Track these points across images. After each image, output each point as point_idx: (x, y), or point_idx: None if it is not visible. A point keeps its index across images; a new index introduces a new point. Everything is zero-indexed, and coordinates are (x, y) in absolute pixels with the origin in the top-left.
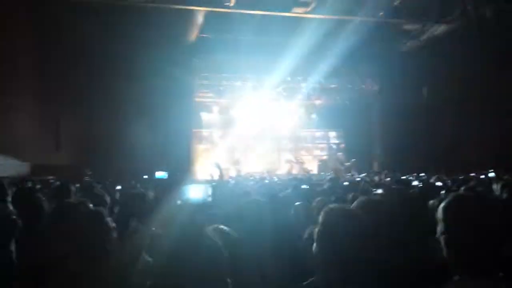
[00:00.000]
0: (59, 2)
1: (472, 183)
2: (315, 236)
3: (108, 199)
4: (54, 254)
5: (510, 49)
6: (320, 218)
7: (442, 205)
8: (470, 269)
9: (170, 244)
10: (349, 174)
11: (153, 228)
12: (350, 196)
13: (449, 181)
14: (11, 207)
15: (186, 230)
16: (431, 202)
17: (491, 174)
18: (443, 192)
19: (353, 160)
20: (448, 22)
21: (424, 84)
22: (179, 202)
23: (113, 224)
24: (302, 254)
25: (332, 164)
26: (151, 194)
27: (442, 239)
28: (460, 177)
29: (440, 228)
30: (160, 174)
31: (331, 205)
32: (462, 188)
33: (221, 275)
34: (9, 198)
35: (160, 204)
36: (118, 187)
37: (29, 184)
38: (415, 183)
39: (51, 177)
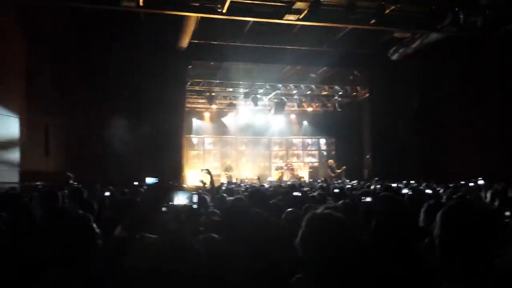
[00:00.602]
0: (49, 7)
1: (462, 191)
2: (298, 239)
3: (95, 205)
4: (37, 259)
5: (501, 57)
6: (304, 222)
7: (440, 211)
8: (461, 272)
9: (153, 251)
10: (339, 181)
11: (137, 236)
12: (340, 203)
13: (439, 189)
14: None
15: (170, 238)
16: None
17: (480, 182)
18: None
19: (343, 167)
20: (439, 30)
21: (414, 94)
22: (164, 209)
23: (98, 230)
24: (291, 261)
25: (323, 171)
26: (139, 200)
27: (437, 242)
28: (450, 185)
29: (436, 232)
30: (150, 181)
31: (316, 210)
32: (454, 197)
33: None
34: None
35: (147, 211)
36: (107, 193)
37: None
38: (405, 190)
39: (39, 183)
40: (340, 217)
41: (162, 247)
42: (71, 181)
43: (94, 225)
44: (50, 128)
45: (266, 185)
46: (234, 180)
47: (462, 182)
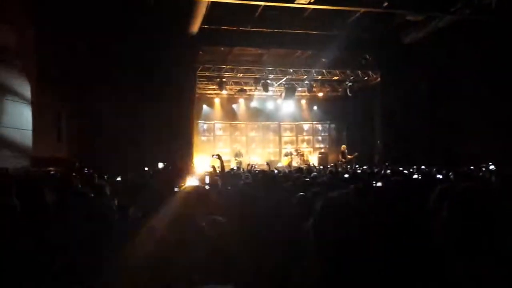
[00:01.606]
0: None
1: (472, 177)
2: (310, 223)
3: (108, 190)
4: (55, 245)
5: None
6: (317, 206)
7: (448, 196)
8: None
9: (161, 231)
10: (349, 167)
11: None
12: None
13: (450, 174)
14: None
15: (177, 219)
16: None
17: (491, 167)
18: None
19: (355, 154)
20: (452, 13)
21: (427, 78)
22: (176, 189)
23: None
24: (299, 243)
25: (332, 156)
26: (150, 184)
27: (445, 224)
28: (461, 170)
29: (444, 214)
30: (161, 166)
31: (329, 194)
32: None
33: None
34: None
35: (159, 193)
36: (118, 179)
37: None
38: (415, 176)
39: (51, 168)
40: (353, 201)
41: (168, 227)
42: (85, 170)
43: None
44: (63, 114)
45: (275, 171)
46: (243, 166)
47: (472, 168)
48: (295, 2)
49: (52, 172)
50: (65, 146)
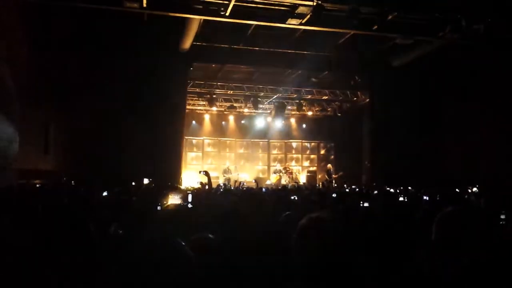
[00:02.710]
0: (52, 6)
1: (458, 198)
2: (293, 242)
3: (92, 204)
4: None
5: (503, 66)
6: (298, 226)
7: (436, 217)
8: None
9: (140, 252)
10: (336, 186)
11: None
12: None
13: (436, 196)
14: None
15: (156, 240)
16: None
17: (475, 189)
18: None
19: (340, 173)
20: (441, 37)
21: (415, 100)
22: (159, 208)
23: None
24: (286, 263)
25: (321, 175)
26: (134, 201)
27: (435, 245)
28: (447, 192)
29: (433, 236)
30: (147, 181)
31: (311, 215)
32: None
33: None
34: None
35: (142, 210)
36: (104, 193)
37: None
38: (402, 197)
39: (37, 181)
40: (333, 221)
41: (150, 249)
42: (72, 183)
43: (90, 225)
44: (51, 127)
45: (264, 189)
46: (232, 183)
47: (457, 190)
48: (287, 22)
49: (38, 185)
50: (52, 159)
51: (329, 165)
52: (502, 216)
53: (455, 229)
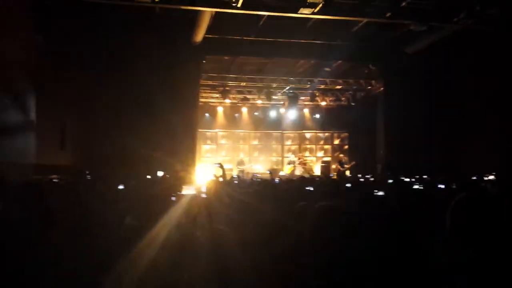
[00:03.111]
0: (64, 2)
1: (474, 186)
2: (307, 231)
3: (108, 197)
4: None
5: None
6: (312, 215)
7: (450, 205)
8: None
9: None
10: (350, 175)
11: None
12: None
13: (452, 184)
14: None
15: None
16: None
17: (492, 177)
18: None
19: (353, 162)
20: (455, 23)
21: (427, 88)
22: (173, 198)
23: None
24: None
25: (335, 165)
26: (148, 192)
27: (448, 235)
28: (463, 180)
29: (447, 226)
30: (160, 174)
31: (322, 203)
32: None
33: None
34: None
35: (155, 202)
36: (121, 187)
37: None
38: (415, 186)
39: (54, 176)
40: (344, 209)
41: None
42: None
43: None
44: (67, 122)
45: (277, 180)
46: (245, 175)
47: (474, 178)
48: (299, 12)
49: (55, 180)
50: (68, 155)
51: (341, 155)
52: None
53: (469, 216)
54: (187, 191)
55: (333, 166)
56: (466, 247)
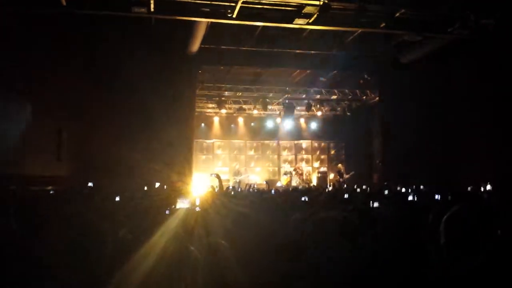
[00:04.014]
0: (61, 14)
1: (469, 196)
2: (304, 242)
3: (104, 209)
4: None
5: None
6: (308, 225)
7: (444, 218)
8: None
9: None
10: (347, 186)
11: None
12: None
13: (447, 194)
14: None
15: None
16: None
17: (488, 187)
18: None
19: (351, 173)
20: (449, 33)
21: (425, 98)
22: (167, 212)
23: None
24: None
25: (332, 176)
26: (144, 204)
27: (443, 248)
28: (458, 191)
29: (441, 239)
30: (157, 185)
31: (320, 214)
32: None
33: None
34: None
35: (150, 215)
36: (117, 198)
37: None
38: (410, 197)
39: (50, 187)
40: (341, 220)
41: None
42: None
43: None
44: (63, 133)
45: (273, 191)
46: (242, 185)
47: (469, 188)
48: (294, 22)
49: (51, 192)
50: (65, 166)
51: (339, 165)
52: None
53: (462, 228)
54: (181, 204)
55: (331, 177)
56: (461, 258)
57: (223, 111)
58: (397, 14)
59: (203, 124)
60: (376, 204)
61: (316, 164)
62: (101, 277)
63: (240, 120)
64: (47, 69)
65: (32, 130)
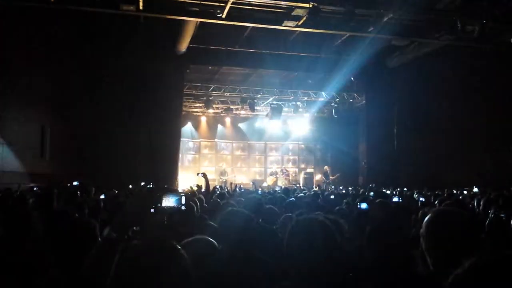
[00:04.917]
0: (49, 10)
1: (452, 199)
2: (285, 242)
3: (86, 208)
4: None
5: (495, 68)
6: (290, 227)
7: (424, 220)
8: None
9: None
10: (333, 187)
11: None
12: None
13: (431, 197)
14: None
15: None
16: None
17: (475, 190)
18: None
19: (337, 174)
20: (436, 39)
21: (411, 101)
22: (152, 210)
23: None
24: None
25: (318, 177)
26: (128, 202)
27: (425, 251)
28: (442, 193)
29: (422, 241)
30: (143, 184)
31: (303, 215)
32: (442, 204)
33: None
34: None
35: (135, 212)
36: (102, 196)
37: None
38: (395, 199)
39: (34, 184)
40: (324, 222)
41: (143, 250)
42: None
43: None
44: (47, 130)
45: (259, 191)
46: (228, 185)
47: (454, 191)
48: (283, 24)
49: (35, 189)
50: (48, 163)
51: (326, 167)
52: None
53: (444, 230)
54: (167, 203)
55: (317, 178)
56: (442, 260)
57: (210, 111)
58: (385, 19)
59: (190, 124)
60: (363, 206)
61: (303, 165)
62: (88, 275)
63: (227, 120)
64: (31, 65)
65: (16, 127)
